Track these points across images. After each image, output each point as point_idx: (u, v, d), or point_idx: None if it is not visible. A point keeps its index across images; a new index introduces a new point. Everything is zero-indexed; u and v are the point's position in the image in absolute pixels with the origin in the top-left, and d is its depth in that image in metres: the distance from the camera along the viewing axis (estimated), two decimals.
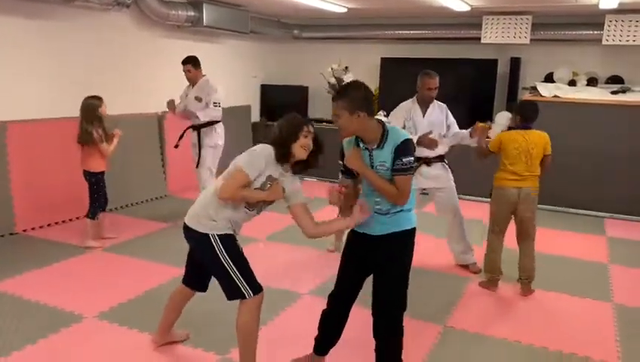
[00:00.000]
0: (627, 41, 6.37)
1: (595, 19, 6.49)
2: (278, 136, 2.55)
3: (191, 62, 5.21)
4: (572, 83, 6.83)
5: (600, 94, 6.48)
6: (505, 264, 4.04)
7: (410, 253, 2.58)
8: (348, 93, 2.43)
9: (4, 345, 3.00)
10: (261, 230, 5.14)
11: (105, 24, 5.73)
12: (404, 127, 4.09)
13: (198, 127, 5.27)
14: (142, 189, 6.19)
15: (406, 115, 4.24)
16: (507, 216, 3.94)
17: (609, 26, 6.40)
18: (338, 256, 2.77)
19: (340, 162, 2.60)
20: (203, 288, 2.86)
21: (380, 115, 4.76)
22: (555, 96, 6.54)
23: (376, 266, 2.55)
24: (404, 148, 2.41)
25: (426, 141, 4.05)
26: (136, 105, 6.13)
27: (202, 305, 3.07)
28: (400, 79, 6.45)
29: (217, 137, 5.30)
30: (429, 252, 4.65)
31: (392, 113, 4.37)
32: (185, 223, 2.66)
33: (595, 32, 6.57)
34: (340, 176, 2.65)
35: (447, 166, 4.35)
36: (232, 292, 2.58)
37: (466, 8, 6.44)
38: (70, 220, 5.28)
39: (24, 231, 4.94)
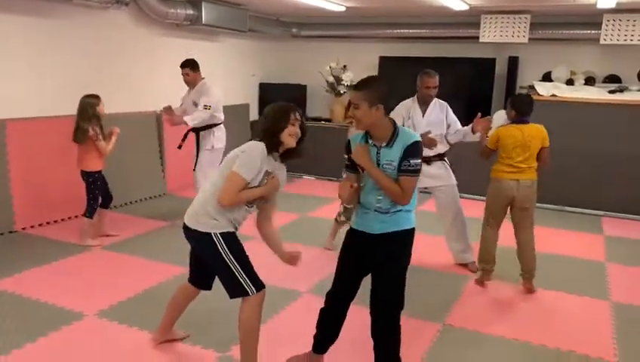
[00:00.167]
0: (625, 40, 6.39)
1: (593, 19, 6.52)
2: (267, 127, 2.56)
3: (189, 66, 5.16)
4: (570, 82, 6.85)
5: (597, 93, 6.50)
6: (504, 262, 4.05)
7: (409, 253, 2.59)
8: (371, 85, 2.43)
9: (5, 343, 3.01)
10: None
11: (104, 22, 5.73)
12: (402, 126, 4.10)
13: (197, 130, 5.26)
14: (141, 188, 6.20)
15: (405, 114, 4.26)
16: (503, 209, 3.92)
17: (607, 25, 6.43)
18: (336, 253, 2.77)
19: (346, 156, 2.61)
20: (208, 286, 2.86)
21: None
22: (553, 95, 6.56)
23: (375, 265, 2.56)
24: (414, 149, 2.42)
25: (425, 141, 4.05)
26: (134, 104, 6.13)
27: (203, 304, 3.08)
28: (398, 78, 6.45)
29: (215, 140, 5.20)
30: (428, 250, 4.66)
31: (392, 112, 4.37)
32: (185, 223, 2.67)
33: (593, 32, 6.59)
34: (344, 170, 2.66)
35: (447, 164, 4.37)
36: (235, 290, 2.59)
37: (464, 7, 6.46)
38: (69, 218, 5.28)
39: (23, 229, 4.95)
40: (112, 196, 4.86)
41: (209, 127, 5.20)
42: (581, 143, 6.37)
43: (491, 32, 6.98)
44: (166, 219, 5.40)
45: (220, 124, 5.27)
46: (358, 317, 2.81)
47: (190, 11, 6.32)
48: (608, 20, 6.40)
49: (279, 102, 2.65)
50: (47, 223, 5.13)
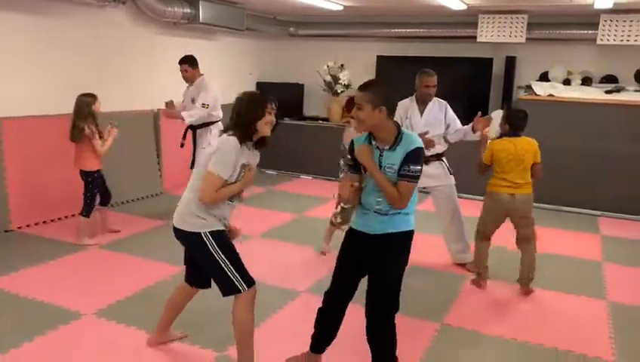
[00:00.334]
0: (621, 40, 6.41)
1: (590, 19, 6.53)
2: (241, 118, 2.56)
3: (187, 62, 5.16)
4: (567, 82, 6.87)
5: (594, 93, 6.52)
6: (502, 263, 4.06)
7: (407, 255, 2.59)
8: (375, 87, 2.45)
9: (1, 342, 2.99)
10: (256, 228, 5.15)
11: (101, 20, 5.71)
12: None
13: (194, 127, 5.24)
14: (137, 186, 6.18)
15: (403, 114, 4.26)
16: (497, 223, 3.95)
17: (604, 25, 6.44)
18: (334, 253, 2.77)
19: (349, 156, 2.61)
20: (207, 284, 2.85)
21: None
22: (550, 95, 6.57)
23: (373, 266, 2.55)
24: (415, 156, 2.42)
25: (423, 141, 4.06)
26: (131, 102, 6.11)
27: (200, 303, 3.08)
28: (396, 77, 6.47)
29: (212, 138, 5.16)
30: (426, 250, 4.66)
31: None
32: (173, 224, 2.69)
33: (590, 32, 6.61)
34: (342, 171, 2.66)
35: (445, 164, 4.37)
36: (227, 287, 2.60)
37: (462, 7, 6.46)
38: (66, 217, 5.26)
39: (19, 228, 4.93)
40: (111, 194, 4.85)
41: (206, 124, 5.19)
42: (578, 143, 6.38)
43: (489, 32, 6.99)
44: (163, 218, 5.39)
45: (217, 121, 5.25)
46: (357, 316, 2.80)
47: (187, 10, 6.30)
48: (605, 21, 6.42)
49: (250, 91, 2.66)
50: (44, 222, 5.11)
